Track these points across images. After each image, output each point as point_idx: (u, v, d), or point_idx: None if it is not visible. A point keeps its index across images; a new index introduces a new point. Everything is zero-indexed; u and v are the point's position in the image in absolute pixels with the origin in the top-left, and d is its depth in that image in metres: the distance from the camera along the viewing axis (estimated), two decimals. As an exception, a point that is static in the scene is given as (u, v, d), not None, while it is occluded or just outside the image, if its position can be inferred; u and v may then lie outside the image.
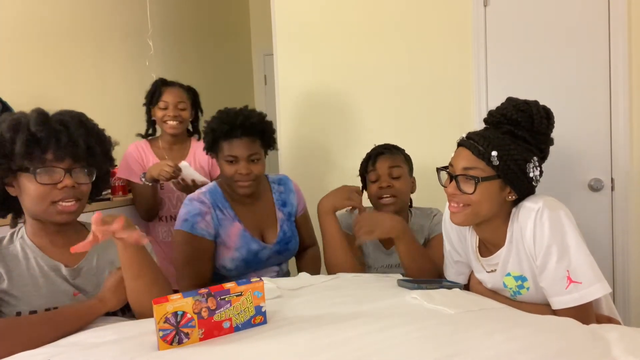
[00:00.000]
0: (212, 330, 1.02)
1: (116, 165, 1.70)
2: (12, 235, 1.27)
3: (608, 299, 1.32)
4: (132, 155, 2.22)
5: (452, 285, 1.39)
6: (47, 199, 1.20)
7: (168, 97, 2.20)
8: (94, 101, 2.92)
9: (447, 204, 1.33)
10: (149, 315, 0.99)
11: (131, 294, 1.21)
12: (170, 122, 2.20)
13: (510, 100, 1.28)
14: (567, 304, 1.17)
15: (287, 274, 1.87)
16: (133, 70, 3.14)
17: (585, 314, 1.16)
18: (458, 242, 1.45)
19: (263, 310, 1.09)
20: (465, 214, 1.26)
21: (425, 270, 1.53)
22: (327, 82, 2.57)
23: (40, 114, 1.23)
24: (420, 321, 1.07)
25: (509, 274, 1.29)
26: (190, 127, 2.35)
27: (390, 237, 1.52)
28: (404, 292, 1.30)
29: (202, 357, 0.96)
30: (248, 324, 1.07)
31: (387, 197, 1.73)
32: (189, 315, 1.00)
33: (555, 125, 1.28)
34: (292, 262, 1.98)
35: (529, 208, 1.21)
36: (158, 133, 2.34)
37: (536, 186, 1.26)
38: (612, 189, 2.10)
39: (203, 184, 2.03)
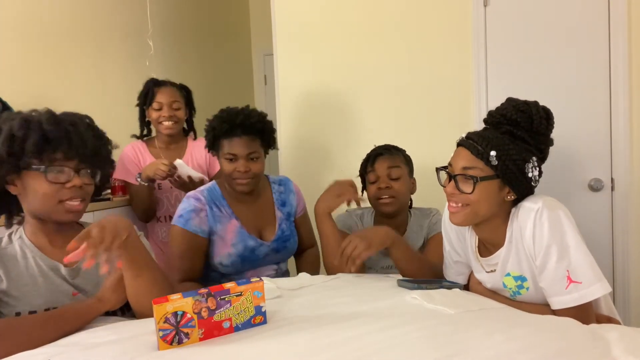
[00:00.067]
0: (212, 330, 1.02)
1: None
2: (10, 235, 1.27)
3: (607, 299, 1.32)
4: (129, 156, 2.21)
5: (452, 285, 1.39)
6: (55, 198, 1.21)
7: (162, 97, 2.19)
8: (94, 101, 2.92)
9: (447, 204, 1.33)
10: (150, 315, 0.99)
11: (131, 294, 1.21)
12: (166, 123, 2.18)
13: (510, 100, 1.28)
14: (567, 304, 1.16)
15: (286, 273, 1.88)
16: (133, 70, 3.14)
17: (585, 314, 1.16)
18: (457, 242, 1.45)
19: (263, 310, 1.09)
20: (465, 213, 1.26)
21: (422, 273, 1.52)
22: (327, 82, 2.57)
23: (52, 113, 1.25)
24: (420, 321, 1.07)
25: (508, 274, 1.29)
26: (185, 126, 2.33)
27: (386, 246, 1.51)
28: (404, 292, 1.30)
29: (202, 357, 0.95)
30: (248, 324, 1.07)
31: (385, 197, 1.73)
32: (188, 315, 1.00)
33: (555, 125, 1.28)
34: (292, 262, 1.98)
35: (529, 208, 1.21)
36: (153, 133, 2.33)
37: (535, 186, 1.26)
38: (612, 189, 2.10)
39: (200, 180, 2.04)
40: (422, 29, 2.35)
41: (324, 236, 1.68)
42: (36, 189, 1.21)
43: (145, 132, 2.30)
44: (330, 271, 1.65)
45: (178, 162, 2.04)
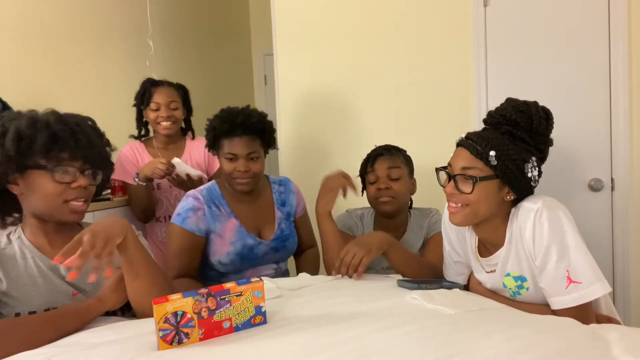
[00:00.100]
0: (212, 330, 1.02)
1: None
2: (8, 236, 1.27)
3: (607, 299, 1.32)
4: (127, 156, 2.20)
5: (452, 285, 1.39)
6: (61, 198, 1.22)
7: (159, 97, 2.17)
8: (94, 101, 2.92)
9: (446, 204, 1.33)
10: (150, 314, 0.99)
11: (131, 294, 1.21)
12: (164, 123, 2.17)
13: (509, 100, 1.28)
14: (567, 304, 1.17)
15: (285, 273, 1.88)
16: (133, 70, 3.14)
17: (585, 314, 1.16)
18: (457, 243, 1.45)
19: (263, 310, 1.09)
20: (464, 214, 1.26)
21: (421, 275, 1.52)
22: (327, 82, 2.57)
23: (58, 114, 1.26)
24: (420, 321, 1.07)
25: (508, 274, 1.29)
26: (182, 125, 2.32)
27: (383, 251, 1.52)
28: (404, 292, 1.30)
29: (202, 357, 0.95)
30: (248, 324, 1.07)
31: (384, 197, 1.73)
32: (188, 315, 1.00)
33: (555, 125, 1.28)
34: (292, 262, 1.98)
35: (528, 208, 1.21)
36: (150, 133, 2.32)
37: (535, 186, 1.26)
38: (612, 189, 2.10)
39: (199, 178, 2.05)
40: (422, 29, 2.35)
41: (324, 236, 1.68)
42: (41, 188, 1.21)
43: (143, 132, 2.29)
44: (330, 271, 1.65)
45: (175, 160, 2.04)
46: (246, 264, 1.72)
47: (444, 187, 1.31)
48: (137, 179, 2.06)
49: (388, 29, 2.42)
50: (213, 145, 1.74)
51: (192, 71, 3.77)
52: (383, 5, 2.42)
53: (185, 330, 1.00)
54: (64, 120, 1.25)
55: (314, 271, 1.89)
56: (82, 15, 2.97)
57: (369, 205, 1.85)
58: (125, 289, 1.21)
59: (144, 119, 2.25)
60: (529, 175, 1.22)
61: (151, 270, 1.22)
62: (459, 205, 1.26)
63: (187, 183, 2.06)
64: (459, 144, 1.30)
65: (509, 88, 2.19)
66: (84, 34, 2.97)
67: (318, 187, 1.77)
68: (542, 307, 1.23)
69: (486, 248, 1.35)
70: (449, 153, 1.32)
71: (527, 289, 1.27)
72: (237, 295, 1.05)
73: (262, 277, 1.39)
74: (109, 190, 2.32)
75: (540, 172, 1.26)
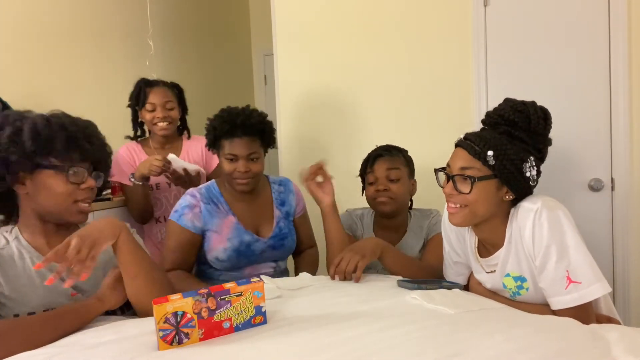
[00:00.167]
0: (212, 330, 1.02)
1: None
2: (5, 236, 1.27)
3: (607, 299, 1.32)
4: (124, 157, 2.18)
5: (451, 285, 1.39)
6: (71, 198, 1.24)
7: (154, 98, 2.15)
8: (93, 101, 2.92)
9: (445, 204, 1.33)
10: (151, 313, 0.99)
11: (131, 293, 1.22)
12: (161, 124, 2.15)
13: (507, 101, 1.28)
14: (567, 304, 1.17)
15: (284, 272, 1.88)
16: (133, 70, 3.14)
17: (585, 314, 1.16)
18: (457, 243, 1.45)
19: (263, 310, 1.09)
20: (463, 214, 1.26)
21: (417, 277, 1.52)
22: (327, 82, 2.57)
23: (68, 115, 1.28)
24: (420, 321, 1.07)
25: (508, 275, 1.29)
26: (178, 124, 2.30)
27: (377, 256, 1.52)
28: (404, 292, 1.30)
29: (202, 357, 0.96)
30: (248, 324, 1.07)
31: (382, 197, 1.73)
32: (189, 315, 1.00)
33: (555, 125, 1.28)
34: (292, 263, 1.98)
35: (528, 208, 1.21)
36: (146, 133, 2.30)
37: (534, 186, 1.26)
38: (612, 189, 2.10)
39: (197, 173, 2.07)
40: (422, 29, 2.35)
41: (328, 233, 1.69)
42: (53, 188, 1.22)
43: (138, 133, 2.27)
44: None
45: (171, 156, 2.03)
46: (243, 261, 1.73)
47: (443, 187, 1.31)
48: (132, 179, 2.05)
49: (388, 29, 2.42)
50: (213, 144, 1.76)
51: (192, 71, 3.77)
52: (383, 5, 2.42)
53: (185, 330, 1.00)
54: (76, 122, 1.28)
55: (313, 270, 1.89)
56: (82, 15, 2.97)
57: (369, 206, 1.85)
58: (123, 288, 1.21)
59: (139, 120, 2.23)
60: (528, 174, 1.22)
61: (149, 269, 1.23)
62: (458, 205, 1.26)
63: (185, 178, 2.05)
64: (457, 145, 1.30)
65: (509, 88, 2.19)
66: (83, 34, 2.97)
67: (318, 187, 1.77)
68: (542, 307, 1.23)
69: (486, 248, 1.35)
70: (449, 153, 1.32)
71: (527, 289, 1.27)
72: (237, 296, 1.05)
73: (262, 277, 1.40)
74: (109, 190, 2.32)
75: (539, 172, 1.26)
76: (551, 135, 1.30)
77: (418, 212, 1.86)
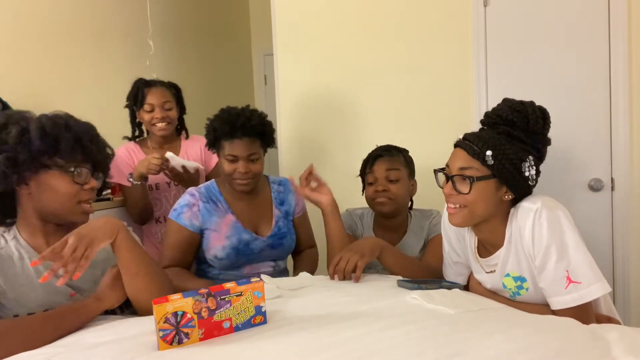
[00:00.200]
0: (212, 330, 1.02)
1: None
2: (3, 236, 1.27)
3: (607, 299, 1.32)
4: (122, 158, 2.16)
5: (451, 285, 1.39)
6: (75, 199, 1.26)
7: (152, 98, 2.14)
8: (93, 101, 2.92)
9: (445, 205, 1.34)
10: (151, 311, 0.99)
11: (131, 291, 1.22)
12: (159, 125, 2.15)
13: (506, 101, 1.29)
14: (567, 304, 1.17)
15: (284, 271, 1.88)
16: (133, 71, 3.13)
17: (585, 314, 1.16)
18: (457, 243, 1.45)
19: (263, 310, 1.09)
20: (463, 215, 1.26)
21: (418, 277, 1.52)
22: (327, 82, 2.57)
23: (72, 116, 1.29)
24: (420, 321, 1.07)
25: (508, 275, 1.29)
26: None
27: (376, 255, 1.52)
28: (404, 292, 1.30)
29: (202, 357, 0.96)
30: (248, 324, 1.07)
31: (381, 198, 1.73)
32: (189, 315, 1.00)
33: (555, 125, 1.29)
34: (291, 262, 1.98)
35: (527, 208, 1.22)
36: (144, 133, 2.30)
37: (533, 186, 1.26)
38: (612, 189, 2.10)
39: (196, 170, 2.07)
40: (422, 29, 2.35)
41: (328, 232, 1.69)
42: (58, 188, 1.23)
43: (136, 133, 2.26)
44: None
45: (169, 154, 2.03)
46: (242, 259, 1.73)
47: (442, 188, 1.31)
48: (131, 179, 2.04)
49: (388, 29, 2.42)
50: (213, 145, 1.76)
51: (192, 71, 3.77)
52: (383, 5, 2.42)
53: (185, 330, 1.00)
54: (80, 123, 1.29)
55: (311, 269, 1.88)
56: (82, 15, 2.97)
57: (366, 205, 1.85)
58: (122, 286, 1.22)
59: (137, 120, 2.22)
60: (526, 174, 1.23)
61: (148, 267, 1.23)
62: (458, 206, 1.26)
63: (184, 176, 2.05)
64: (456, 145, 1.30)
65: (509, 88, 2.19)
66: (83, 34, 2.97)
67: (318, 187, 1.78)
68: (542, 307, 1.23)
69: (486, 248, 1.35)
70: (449, 153, 1.32)
71: (527, 289, 1.27)
72: (237, 295, 1.05)
73: (262, 277, 1.40)
74: (109, 190, 2.32)
75: (538, 172, 1.27)
76: (551, 135, 1.30)
77: (418, 212, 1.86)
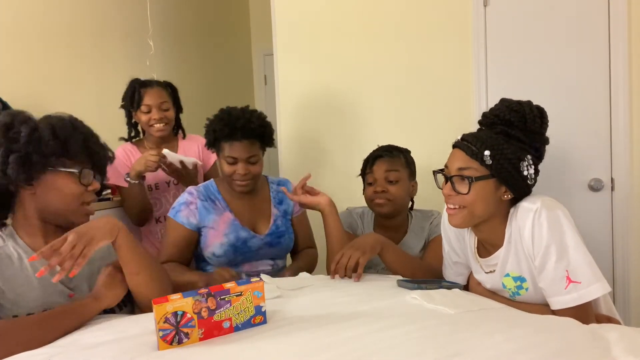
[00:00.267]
0: (212, 330, 1.02)
1: None
2: (1, 236, 1.26)
3: (607, 299, 1.32)
4: (120, 159, 2.14)
5: (451, 285, 1.39)
6: (79, 200, 1.27)
7: (149, 99, 2.12)
8: (94, 101, 2.92)
9: (445, 206, 1.34)
10: (151, 307, 1.00)
11: (133, 288, 1.25)
12: (157, 126, 2.13)
13: (503, 101, 1.29)
14: (567, 304, 1.17)
15: (283, 269, 1.88)
16: (133, 71, 3.13)
17: (585, 314, 1.16)
18: (457, 243, 1.45)
19: (263, 310, 1.09)
20: (462, 215, 1.26)
21: (417, 275, 1.52)
22: (327, 82, 2.57)
23: (75, 118, 1.31)
24: (420, 321, 1.07)
25: (507, 275, 1.29)
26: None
27: (377, 252, 1.52)
28: (404, 292, 1.30)
29: (202, 357, 0.96)
30: (248, 324, 1.07)
31: (379, 199, 1.73)
32: (188, 315, 1.00)
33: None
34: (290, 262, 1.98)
35: (527, 208, 1.22)
36: (140, 134, 2.28)
37: (532, 185, 1.27)
38: (612, 189, 2.10)
39: (194, 165, 2.08)
40: (422, 29, 2.35)
41: (327, 232, 1.69)
42: (63, 189, 1.25)
43: (132, 133, 2.24)
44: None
45: (165, 151, 2.02)
46: (240, 257, 1.74)
47: (441, 189, 1.31)
48: (128, 178, 2.03)
49: (388, 29, 2.41)
50: (212, 145, 1.77)
51: (192, 71, 3.77)
52: (383, 5, 2.42)
53: (185, 330, 1.00)
54: (84, 125, 1.31)
55: (308, 266, 1.88)
56: (82, 15, 2.97)
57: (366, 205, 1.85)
58: (119, 285, 1.23)
59: (133, 120, 2.21)
60: (525, 173, 1.23)
61: (149, 265, 1.27)
62: (457, 207, 1.26)
63: (182, 171, 2.05)
64: (454, 146, 1.31)
65: (509, 88, 2.19)
66: (83, 34, 2.97)
67: (317, 187, 1.78)
68: (542, 307, 1.23)
69: (485, 248, 1.35)
70: (448, 153, 1.32)
71: (527, 289, 1.27)
72: (237, 295, 1.05)
73: (262, 277, 1.40)
74: (109, 190, 2.32)
75: (537, 171, 1.27)
76: (551, 135, 1.30)
77: (419, 213, 1.86)
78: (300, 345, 0.97)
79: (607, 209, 2.12)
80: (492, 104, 1.32)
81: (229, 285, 1.06)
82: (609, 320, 1.27)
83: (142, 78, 2.22)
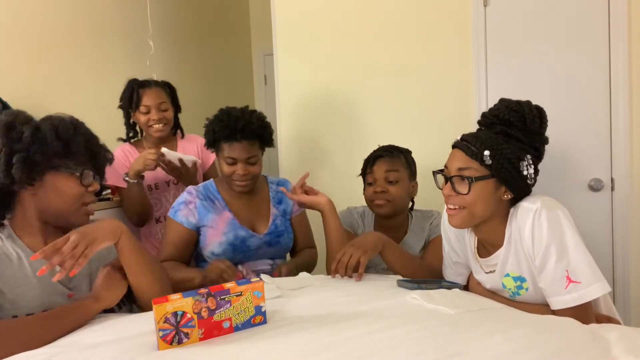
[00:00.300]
0: (212, 330, 1.03)
1: None
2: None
3: (607, 299, 1.32)
4: (119, 159, 2.12)
5: (451, 285, 1.39)
6: (80, 201, 1.28)
7: (148, 100, 2.11)
8: (93, 101, 2.91)
9: (445, 206, 1.34)
10: (152, 306, 1.00)
11: (135, 288, 1.26)
12: (156, 126, 2.12)
13: (502, 101, 1.29)
14: (567, 304, 1.17)
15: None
16: (133, 71, 3.13)
17: (585, 313, 1.16)
18: (457, 243, 1.45)
19: (263, 310, 1.09)
20: (462, 216, 1.26)
21: (418, 275, 1.52)
22: (327, 82, 2.57)
23: (76, 119, 1.32)
24: (420, 321, 1.07)
25: (507, 275, 1.29)
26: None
27: (379, 250, 1.52)
28: (404, 292, 1.30)
29: (202, 357, 0.96)
30: (248, 324, 1.07)
31: (379, 199, 1.73)
32: (188, 315, 1.00)
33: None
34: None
35: (527, 208, 1.22)
36: (139, 134, 2.27)
37: (532, 185, 1.26)
38: (612, 189, 2.10)
39: (193, 163, 2.08)
40: (422, 29, 2.35)
41: (327, 231, 1.69)
42: (64, 190, 1.26)
43: (131, 134, 2.23)
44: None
45: (164, 149, 2.01)
46: (239, 256, 1.74)
47: (441, 189, 1.31)
48: (127, 178, 2.03)
49: (388, 29, 2.41)
50: (212, 145, 1.77)
51: (192, 71, 3.77)
52: (383, 5, 2.42)
53: (185, 330, 1.00)
54: (84, 126, 1.32)
55: (307, 265, 1.88)
56: (82, 15, 2.97)
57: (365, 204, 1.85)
58: (117, 285, 1.24)
59: (132, 121, 2.20)
60: (525, 173, 1.23)
61: (150, 265, 1.28)
62: (457, 207, 1.26)
63: (182, 169, 2.05)
64: (454, 146, 1.31)
65: (509, 88, 2.19)
66: (83, 34, 2.97)
67: (317, 187, 1.78)
68: (542, 307, 1.23)
69: (485, 248, 1.35)
70: (448, 153, 1.32)
71: (527, 289, 1.27)
72: (237, 295, 1.05)
73: (262, 277, 1.40)
74: (109, 190, 2.32)
75: (537, 171, 1.27)
76: (551, 135, 1.30)
77: (419, 213, 1.86)
78: (300, 345, 0.97)
79: (607, 209, 2.12)
80: (492, 104, 1.32)
81: (229, 285, 1.06)
82: (609, 320, 1.27)
83: (142, 78, 2.22)
